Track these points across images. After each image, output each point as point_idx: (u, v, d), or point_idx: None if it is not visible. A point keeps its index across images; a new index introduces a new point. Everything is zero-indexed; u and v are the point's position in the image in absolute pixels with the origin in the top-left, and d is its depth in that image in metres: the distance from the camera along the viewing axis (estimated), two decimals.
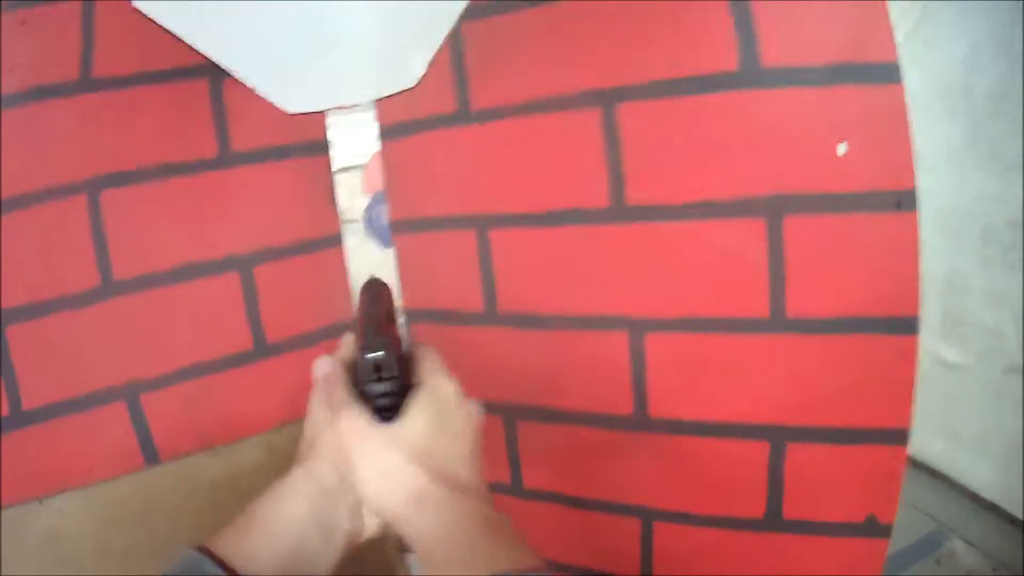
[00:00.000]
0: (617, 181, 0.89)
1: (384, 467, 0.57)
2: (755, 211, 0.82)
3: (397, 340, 0.62)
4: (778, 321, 0.84)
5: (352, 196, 1.10)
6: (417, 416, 0.59)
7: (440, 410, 0.60)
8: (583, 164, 0.91)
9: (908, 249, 0.77)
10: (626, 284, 0.92)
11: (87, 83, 0.90)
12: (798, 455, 0.87)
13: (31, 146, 0.88)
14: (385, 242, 1.12)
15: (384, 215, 1.11)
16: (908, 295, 0.78)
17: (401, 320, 0.74)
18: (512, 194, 0.98)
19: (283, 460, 0.61)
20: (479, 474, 0.61)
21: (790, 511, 0.89)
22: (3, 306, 0.88)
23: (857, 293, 0.80)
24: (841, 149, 0.77)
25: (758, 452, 0.88)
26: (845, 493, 0.86)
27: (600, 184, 0.90)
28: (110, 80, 0.92)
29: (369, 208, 1.11)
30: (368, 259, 1.11)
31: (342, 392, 0.60)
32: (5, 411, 0.89)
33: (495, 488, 1.07)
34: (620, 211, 0.90)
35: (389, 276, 1.05)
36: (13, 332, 0.89)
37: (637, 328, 0.92)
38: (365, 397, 0.60)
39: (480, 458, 0.63)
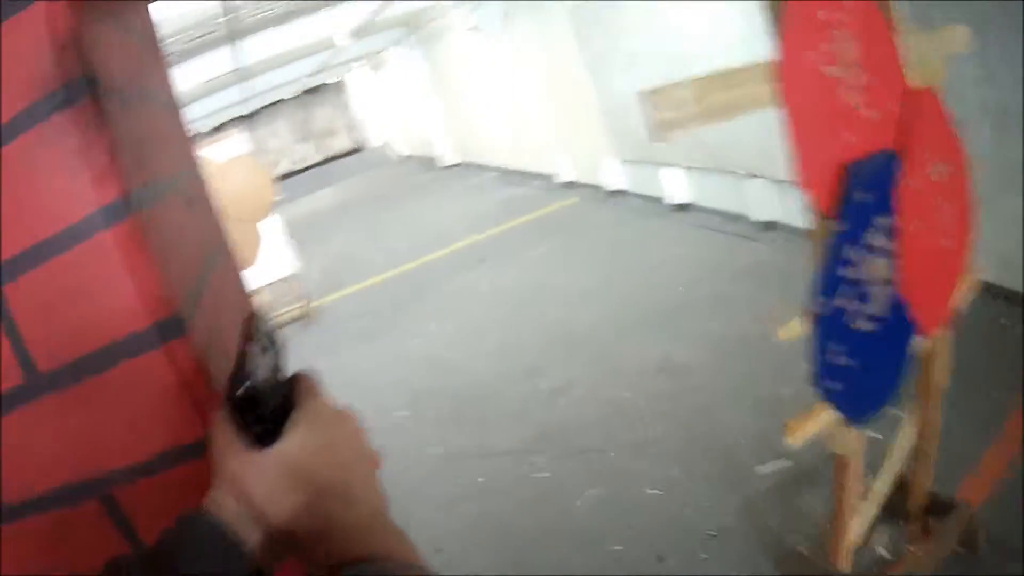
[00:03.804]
0: None
1: (269, 488, 0.66)
2: None
3: (271, 369, 0.73)
4: (38, 381, 0.88)
5: None
6: (294, 435, 0.69)
7: (317, 425, 0.70)
8: None
9: (116, 264, 0.83)
10: None
11: None
12: (131, 498, 0.91)
13: None
14: None
15: None
16: (139, 305, 0.84)
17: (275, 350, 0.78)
18: None
19: None
20: (366, 477, 0.73)
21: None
22: None
23: (95, 324, 0.85)
24: None
25: (94, 510, 0.92)
26: None
27: None
28: None
29: None
30: None
31: (224, 430, 0.70)
32: None
33: None
34: None
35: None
36: None
37: None
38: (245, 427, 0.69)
39: (369, 458, 0.75)
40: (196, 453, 0.89)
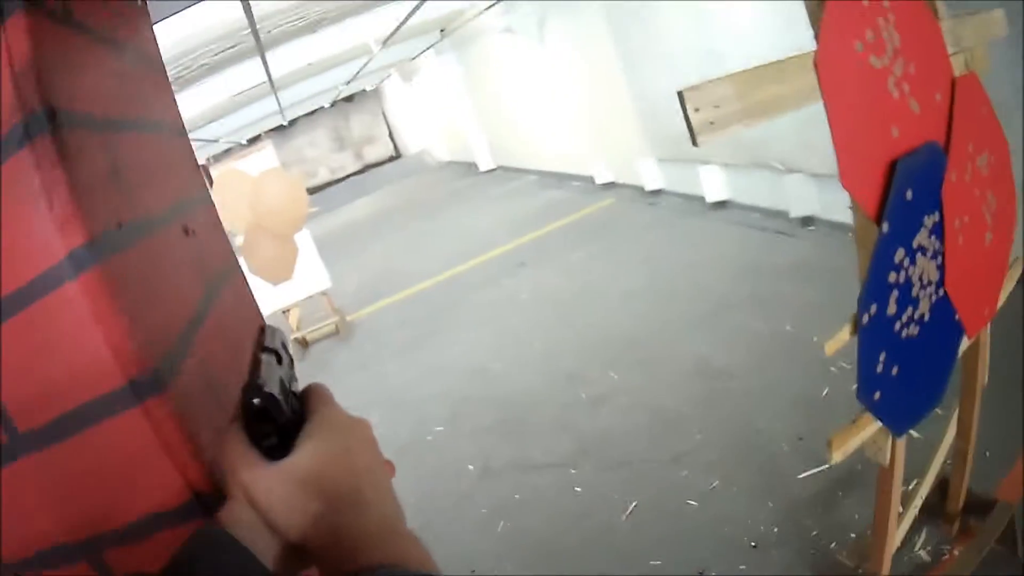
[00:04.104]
0: None
1: (282, 498, 0.66)
2: None
3: (284, 380, 0.74)
4: (17, 441, 0.82)
5: None
6: (307, 445, 0.69)
7: (329, 434, 0.71)
8: None
9: (84, 317, 0.76)
10: None
11: None
12: (123, 562, 0.85)
13: None
14: None
15: None
16: (112, 362, 0.77)
17: (288, 361, 0.80)
18: None
19: None
20: (380, 483, 0.71)
21: None
22: None
23: (69, 382, 0.79)
24: None
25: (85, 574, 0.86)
26: None
27: None
28: None
29: None
30: None
31: (238, 442, 0.71)
32: None
33: None
34: None
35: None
36: None
37: None
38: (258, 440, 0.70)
39: (382, 465, 0.74)
40: (183, 519, 0.81)
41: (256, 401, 0.70)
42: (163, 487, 0.82)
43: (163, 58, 1.33)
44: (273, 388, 0.71)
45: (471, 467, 5.24)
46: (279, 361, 0.77)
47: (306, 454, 0.68)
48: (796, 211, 7.63)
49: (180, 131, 1.36)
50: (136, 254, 0.88)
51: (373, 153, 32.28)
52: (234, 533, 0.65)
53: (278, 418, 0.70)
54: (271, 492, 0.67)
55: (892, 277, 2.06)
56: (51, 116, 0.77)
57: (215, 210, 1.44)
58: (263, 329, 0.81)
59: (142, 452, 0.81)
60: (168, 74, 1.40)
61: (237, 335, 1.20)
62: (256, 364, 0.74)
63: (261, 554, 0.65)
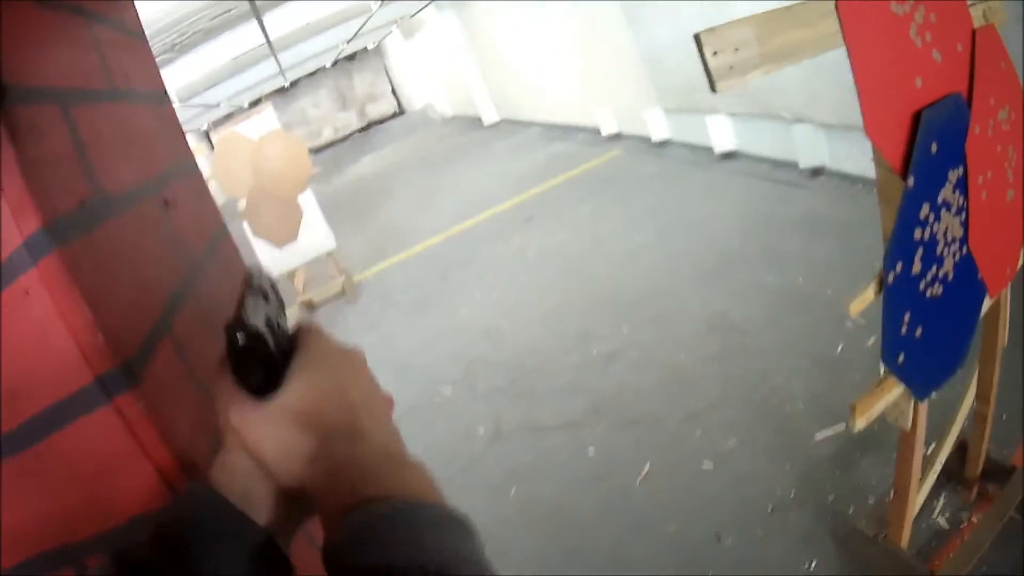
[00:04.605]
0: None
1: (274, 439, 0.64)
2: None
3: (272, 317, 0.70)
4: None
5: None
6: (297, 380, 0.66)
7: (320, 367, 0.67)
8: None
9: (46, 310, 0.71)
10: None
11: None
12: None
13: None
14: None
15: None
16: (78, 357, 0.72)
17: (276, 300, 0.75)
18: None
19: None
20: (378, 410, 0.70)
21: None
22: None
23: (37, 381, 0.73)
24: None
25: None
26: None
27: None
28: None
29: None
30: None
31: (225, 384, 0.67)
32: None
33: None
34: None
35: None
36: None
37: None
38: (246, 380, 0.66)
39: (379, 396, 0.72)
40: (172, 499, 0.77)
41: (240, 336, 0.65)
42: (143, 487, 0.78)
43: (158, 25, 1.27)
44: (258, 324, 0.66)
45: (482, 429, 5.18)
46: (266, 300, 0.72)
47: (296, 390, 0.65)
48: (805, 162, 7.49)
49: (161, 99, 1.29)
50: (104, 234, 0.82)
51: (377, 110, 32.12)
52: (228, 483, 0.64)
53: (264, 354, 0.66)
54: (262, 433, 0.64)
55: (918, 234, 1.99)
56: (1, 92, 0.71)
57: (201, 178, 1.38)
58: (248, 274, 0.74)
59: (118, 452, 0.76)
60: (149, 41, 1.33)
61: (225, 307, 1.14)
62: (241, 304, 0.69)
63: (258, 502, 0.64)
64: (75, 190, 0.79)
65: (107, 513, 0.79)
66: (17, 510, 0.78)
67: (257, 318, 0.67)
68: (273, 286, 0.76)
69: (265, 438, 0.64)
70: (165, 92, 1.34)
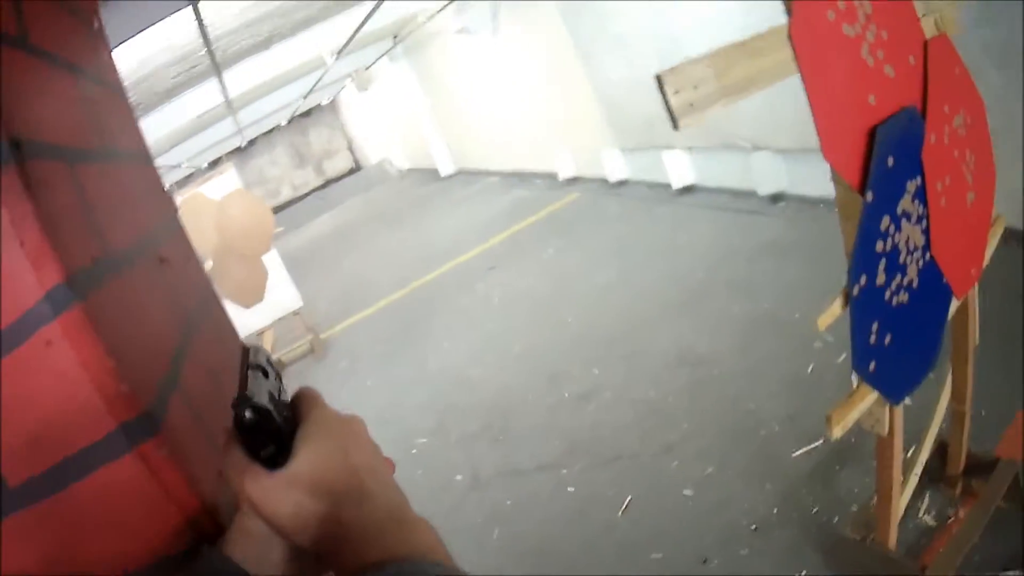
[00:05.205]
0: None
1: (287, 505, 0.66)
2: None
3: (273, 392, 0.74)
4: (9, 497, 0.76)
5: None
6: (304, 449, 0.69)
7: (324, 435, 0.71)
8: None
9: (68, 362, 0.73)
10: None
11: None
12: None
13: None
14: None
15: None
16: (101, 407, 0.74)
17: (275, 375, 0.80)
18: None
19: None
20: (382, 472, 0.74)
21: None
22: None
23: (57, 432, 0.75)
24: None
25: None
26: None
27: None
28: None
29: None
30: None
31: (236, 455, 0.70)
32: None
33: None
34: None
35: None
36: None
37: None
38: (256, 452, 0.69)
39: (381, 458, 0.76)
40: (190, 560, 0.77)
41: (248, 414, 0.69)
42: (166, 531, 0.79)
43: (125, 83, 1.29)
44: (262, 400, 0.71)
45: (459, 477, 5.19)
46: (265, 376, 0.76)
47: (305, 458, 0.69)
48: (764, 189, 7.62)
49: (146, 158, 1.32)
50: (113, 290, 0.84)
51: (333, 167, 32.07)
52: (245, 546, 0.68)
53: (271, 428, 0.70)
54: (276, 500, 0.67)
55: (879, 246, 2.06)
56: (16, 146, 0.73)
57: (187, 236, 1.40)
58: (246, 350, 0.79)
59: (143, 497, 0.78)
60: (129, 100, 1.36)
61: (219, 362, 1.17)
62: (244, 381, 0.73)
63: (274, 566, 0.69)
64: (87, 245, 0.81)
65: (131, 557, 0.80)
66: (37, 561, 0.79)
67: (261, 394, 0.71)
68: (270, 361, 0.81)
69: (280, 505, 0.67)
70: (148, 151, 1.37)
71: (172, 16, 5.08)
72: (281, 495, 0.67)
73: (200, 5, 5.16)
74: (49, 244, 0.72)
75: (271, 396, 0.73)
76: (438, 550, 0.66)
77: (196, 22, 5.50)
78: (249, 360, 0.77)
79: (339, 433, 0.73)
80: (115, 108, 1.22)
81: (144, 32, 4.99)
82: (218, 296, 1.43)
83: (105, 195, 0.96)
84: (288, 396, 0.80)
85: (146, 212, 1.16)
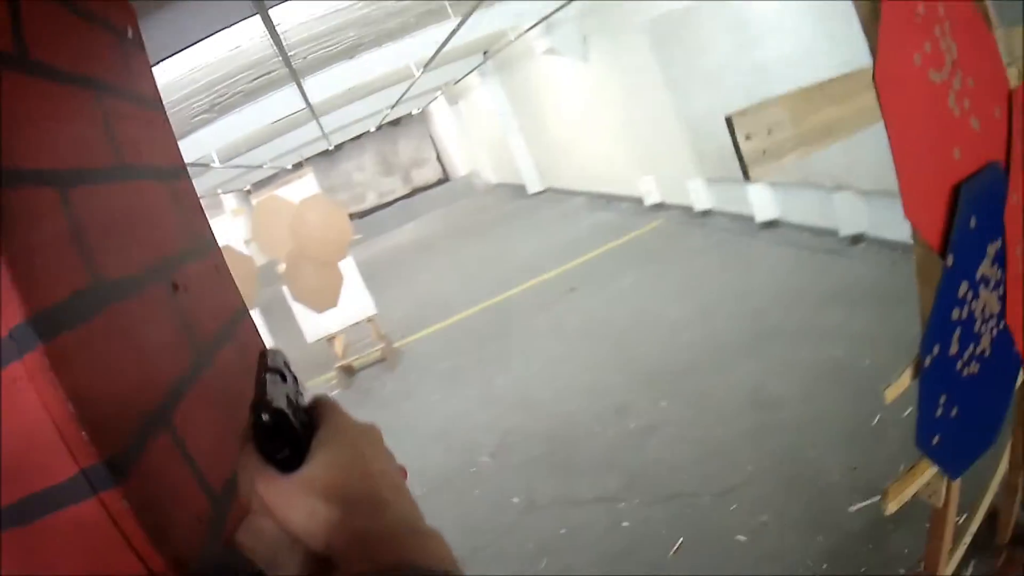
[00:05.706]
0: None
1: (301, 508, 0.66)
2: None
3: (291, 396, 0.74)
4: None
5: None
6: (319, 454, 0.69)
7: (340, 441, 0.71)
8: None
9: (30, 402, 0.71)
10: None
11: None
12: None
13: None
14: None
15: None
16: (61, 451, 0.72)
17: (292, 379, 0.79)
18: None
19: None
20: (396, 481, 0.73)
21: None
22: None
23: (18, 471, 0.74)
24: None
25: None
26: None
27: None
28: None
29: None
30: None
31: (251, 457, 0.69)
32: None
33: None
34: None
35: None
36: None
37: None
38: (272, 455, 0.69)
39: (396, 467, 0.75)
40: None
41: (265, 417, 0.69)
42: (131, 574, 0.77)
43: (196, 85, 1.26)
44: (280, 403, 0.70)
45: (516, 500, 5.18)
46: (283, 379, 0.76)
47: (320, 463, 0.69)
48: (845, 229, 7.51)
49: (176, 174, 1.29)
50: (101, 323, 0.81)
51: (421, 176, 32.49)
52: (255, 546, 0.68)
53: (288, 432, 0.70)
54: (290, 503, 0.67)
55: (956, 314, 1.95)
56: None
57: (221, 257, 1.37)
58: (263, 353, 0.79)
59: (106, 543, 0.75)
60: (186, 101, 1.33)
61: (240, 390, 1.12)
62: (261, 383, 0.73)
63: (285, 564, 0.68)
64: (68, 279, 0.78)
65: None
66: None
67: (279, 398, 0.71)
68: (287, 365, 0.80)
69: (294, 508, 0.66)
70: (182, 166, 1.33)
71: (242, 22, 5.13)
72: (294, 498, 0.67)
73: (272, 12, 5.21)
74: (15, 283, 0.69)
75: (288, 400, 0.73)
76: (449, 560, 0.65)
77: (266, 29, 5.54)
78: (267, 363, 0.77)
79: (355, 440, 0.73)
80: (144, 122, 1.19)
81: (213, 36, 5.05)
82: (250, 317, 1.40)
83: (107, 219, 0.93)
84: (306, 401, 0.80)
85: (166, 234, 1.13)
